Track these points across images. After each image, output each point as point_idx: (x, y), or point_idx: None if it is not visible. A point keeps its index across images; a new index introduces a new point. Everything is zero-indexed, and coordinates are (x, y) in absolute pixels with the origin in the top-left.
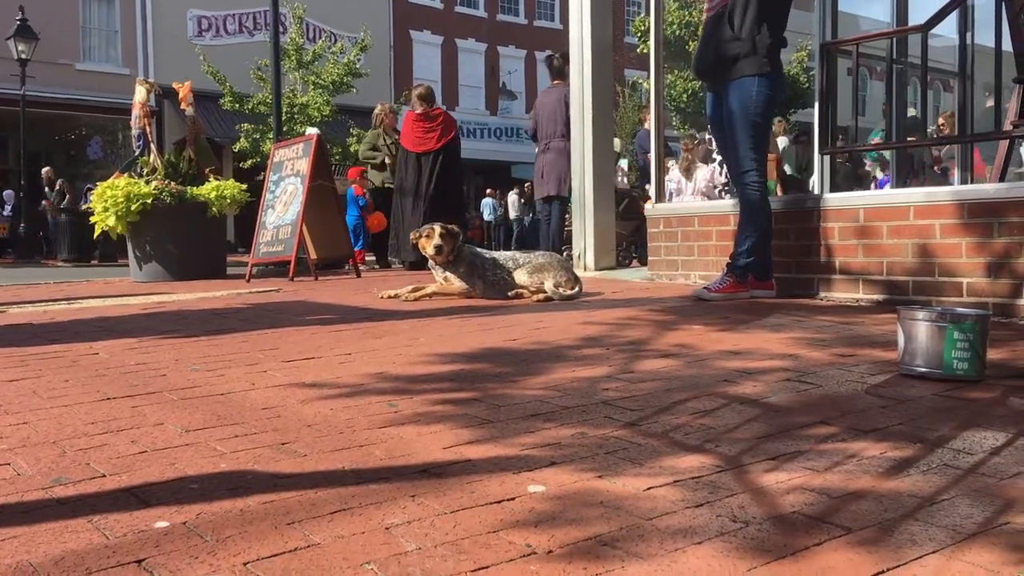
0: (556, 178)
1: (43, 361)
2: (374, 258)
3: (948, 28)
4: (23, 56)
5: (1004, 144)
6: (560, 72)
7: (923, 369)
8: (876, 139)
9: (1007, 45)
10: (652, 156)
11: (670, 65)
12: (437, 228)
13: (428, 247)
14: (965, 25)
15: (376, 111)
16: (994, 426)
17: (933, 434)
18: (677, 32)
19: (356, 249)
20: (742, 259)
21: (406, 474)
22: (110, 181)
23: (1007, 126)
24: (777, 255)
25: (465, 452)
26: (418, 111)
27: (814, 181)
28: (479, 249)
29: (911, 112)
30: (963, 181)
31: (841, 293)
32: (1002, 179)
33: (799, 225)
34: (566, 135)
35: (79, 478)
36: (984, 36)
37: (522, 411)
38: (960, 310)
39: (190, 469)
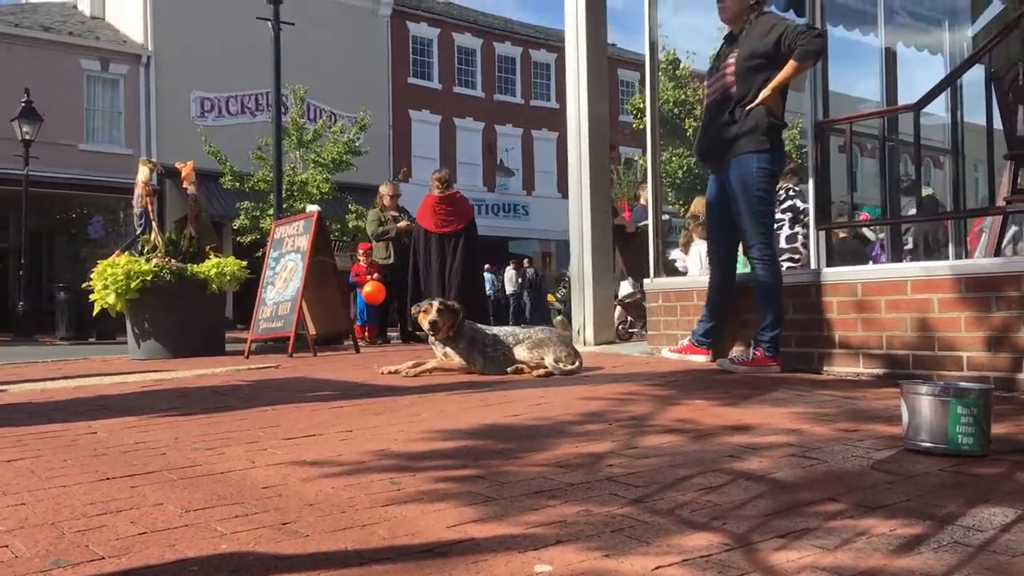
0: None
1: (41, 441)
2: (399, 333)
3: (938, 106)
4: (27, 137)
5: (998, 220)
6: None
7: (928, 444)
8: (865, 213)
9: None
10: (651, 230)
11: (665, 142)
12: (435, 304)
13: (424, 322)
14: (955, 103)
15: (381, 190)
16: (1003, 502)
17: (942, 511)
18: (673, 110)
19: (360, 324)
20: (768, 333)
21: (410, 554)
22: (110, 259)
23: (1000, 202)
24: None
25: (469, 531)
26: (437, 194)
27: (811, 256)
28: (480, 325)
29: (926, 191)
30: (958, 256)
31: (842, 367)
32: (997, 254)
33: (798, 299)
34: None
35: (78, 560)
36: (974, 114)
37: (526, 488)
38: (963, 384)
39: (190, 551)
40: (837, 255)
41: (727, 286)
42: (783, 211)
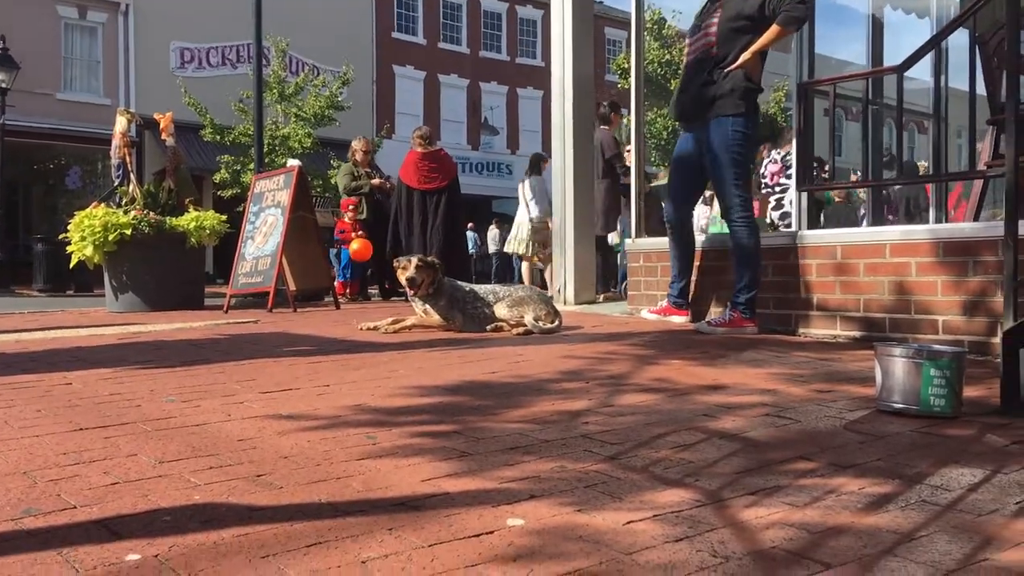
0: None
1: (14, 391)
2: (377, 290)
3: (923, 71)
4: (3, 85)
5: (978, 184)
6: (605, 119)
7: (900, 405)
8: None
9: (981, 88)
10: (632, 191)
11: (650, 102)
12: (414, 260)
13: (402, 278)
14: (940, 68)
15: (354, 146)
16: (971, 463)
17: (911, 470)
18: (658, 71)
19: (341, 280)
20: (743, 295)
21: (383, 507)
22: (88, 211)
23: (981, 166)
24: None
25: (444, 485)
26: (419, 150)
27: (793, 217)
28: (460, 282)
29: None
30: (938, 220)
31: (819, 329)
32: (976, 219)
33: (777, 262)
34: (601, 175)
35: (49, 509)
36: (958, 79)
37: (502, 444)
38: (937, 347)
39: (163, 501)
40: (829, 219)
41: (690, 242)
42: (787, 176)
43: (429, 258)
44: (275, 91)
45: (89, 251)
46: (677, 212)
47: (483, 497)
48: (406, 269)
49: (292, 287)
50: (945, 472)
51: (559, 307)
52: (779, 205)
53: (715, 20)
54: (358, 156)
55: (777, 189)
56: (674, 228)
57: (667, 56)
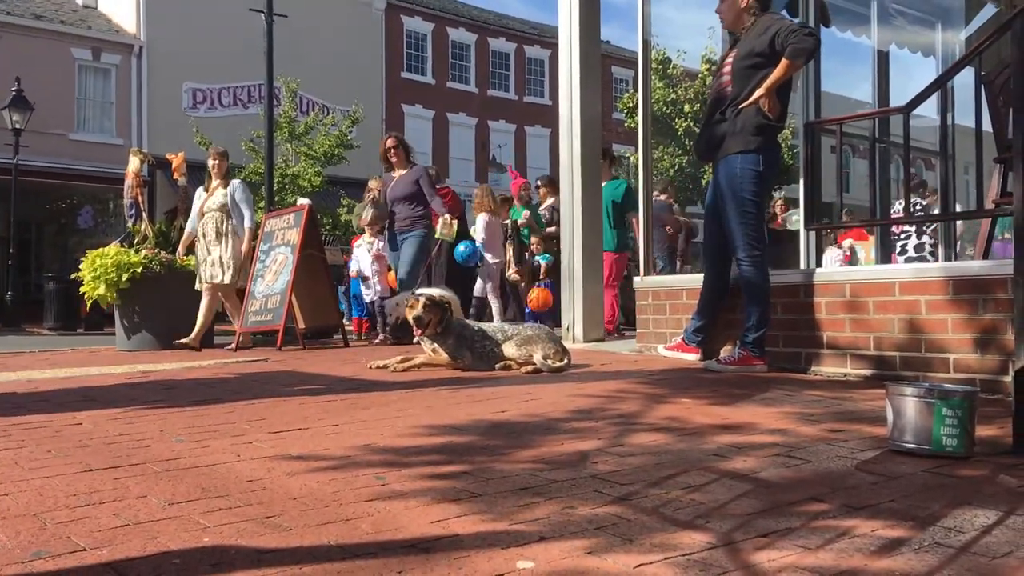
0: None
1: (26, 431)
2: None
3: (930, 108)
4: (17, 126)
5: (986, 222)
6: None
7: (912, 445)
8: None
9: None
10: (640, 229)
11: (656, 140)
12: (422, 299)
13: (409, 316)
14: (946, 106)
15: (371, 184)
16: (985, 504)
17: (924, 512)
18: (663, 109)
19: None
20: (752, 333)
21: (393, 549)
22: (100, 250)
23: (989, 204)
24: None
25: (453, 526)
26: None
27: (801, 255)
28: (468, 321)
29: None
30: (947, 258)
31: (830, 367)
32: (986, 256)
33: (786, 299)
34: None
35: (59, 552)
36: (965, 116)
37: (511, 485)
38: (948, 386)
39: (172, 543)
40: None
41: (719, 287)
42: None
43: (437, 296)
44: (285, 130)
45: (102, 290)
46: (710, 252)
47: (493, 539)
48: (413, 308)
49: (301, 325)
50: (958, 513)
51: (568, 345)
52: (903, 251)
53: (729, 59)
54: (375, 194)
55: (902, 236)
56: (707, 266)
57: (672, 95)
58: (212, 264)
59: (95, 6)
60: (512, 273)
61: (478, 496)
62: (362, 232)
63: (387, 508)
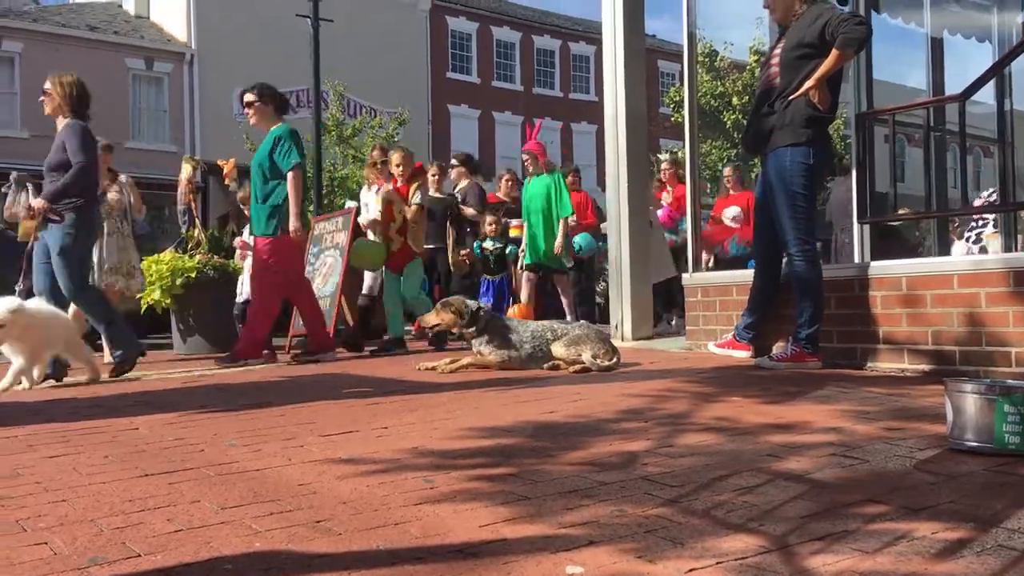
0: None
1: (84, 437)
2: None
3: (987, 95)
4: None
5: None
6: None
7: (973, 444)
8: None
9: None
10: (689, 224)
11: (704, 134)
12: (438, 305)
13: (427, 326)
14: (1003, 92)
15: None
16: None
17: (987, 512)
18: (711, 103)
19: None
20: (804, 330)
21: (441, 554)
22: (155, 256)
23: None
24: None
25: (501, 531)
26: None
27: (855, 249)
28: (515, 320)
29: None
30: (1007, 248)
31: (886, 363)
32: None
33: (840, 294)
34: None
35: (115, 558)
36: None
37: (560, 487)
38: (1010, 382)
39: (225, 549)
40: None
41: (770, 284)
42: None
43: (452, 299)
44: (333, 133)
45: (157, 295)
46: (760, 247)
47: (541, 543)
48: (428, 317)
49: (352, 327)
50: (1022, 514)
51: (616, 343)
52: (978, 239)
53: (778, 50)
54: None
55: (980, 223)
56: (758, 262)
57: (720, 88)
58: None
59: (147, 16)
60: (460, 259)
61: (526, 499)
62: None
63: (435, 512)
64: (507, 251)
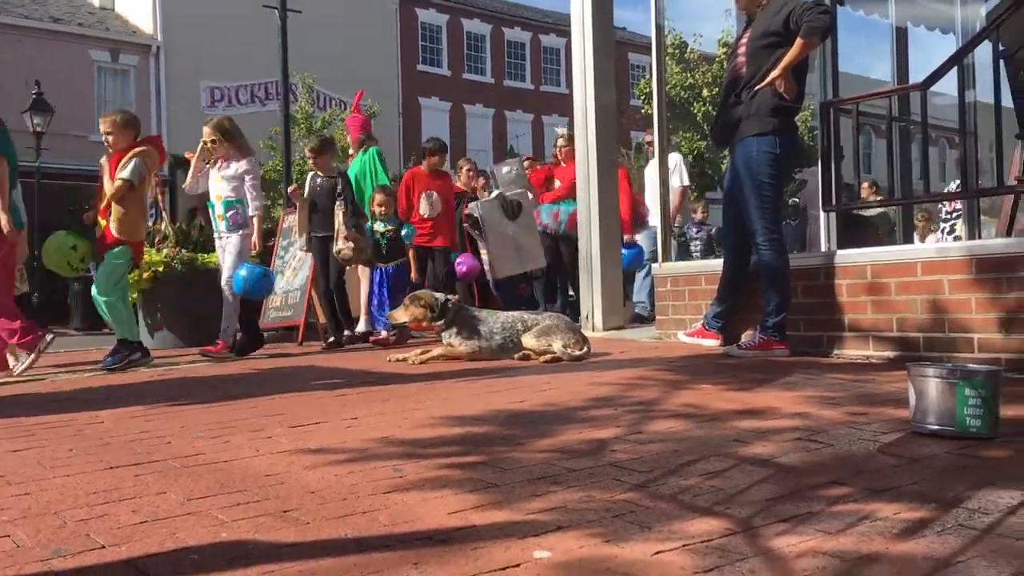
0: None
1: (48, 430)
2: None
3: (949, 86)
4: (38, 129)
5: (1009, 199)
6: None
7: (935, 427)
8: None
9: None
10: (658, 219)
11: (674, 126)
12: (406, 300)
13: (397, 321)
14: (965, 83)
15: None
16: (1010, 485)
17: (948, 494)
18: (681, 94)
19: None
20: (771, 319)
21: (410, 541)
22: None
23: (1011, 181)
24: None
25: (470, 517)
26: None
27: (821, 237)
28: (485, 312)
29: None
30: (970, 236)
31: (852, 350)
32: (1008, 234)
33: (807, 282)
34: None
35: (78, 549)
36: (986, 93)
37: (529, 474)
38: (971, 366)
39: (191, 539)
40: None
41: (738, 272)
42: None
43: (420, 292)
44: (303, 126)
45: None
46: (728, 237)
47: (510, 529)
48: (398, 313)
49: (322, 320)
50: (983, 495)
51: (587, 333)
52: (952, 231)
53: (745, 40)
54: None
55: (954, 215)
56: (726, 252)
57: (689, 80)
58: None
59: (112, 7)
60: (343, 246)
61: (495, 486)
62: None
63: (404, 500)
64: (403, 233)
